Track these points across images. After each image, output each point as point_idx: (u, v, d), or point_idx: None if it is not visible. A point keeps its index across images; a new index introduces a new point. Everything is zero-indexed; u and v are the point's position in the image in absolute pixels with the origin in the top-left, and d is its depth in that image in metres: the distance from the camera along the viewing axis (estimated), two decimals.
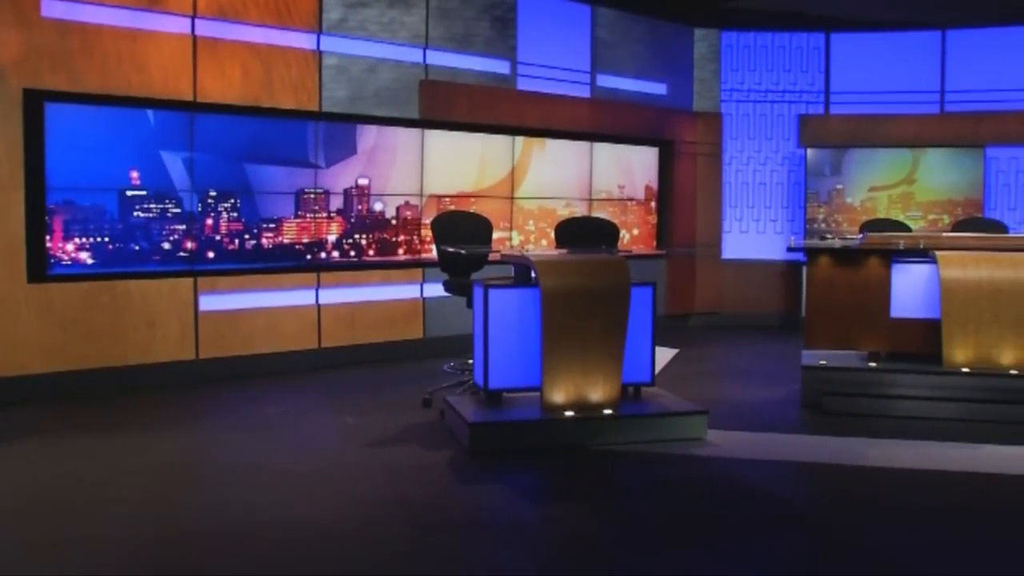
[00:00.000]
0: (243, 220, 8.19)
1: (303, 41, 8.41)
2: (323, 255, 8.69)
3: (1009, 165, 11.67)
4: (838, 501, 5.04)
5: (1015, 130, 11.51)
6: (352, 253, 8.87)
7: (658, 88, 11.50)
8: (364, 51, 8.83)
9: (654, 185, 11.49)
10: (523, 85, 10.14)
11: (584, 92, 10.74)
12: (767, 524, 4.56)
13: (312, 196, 8.58)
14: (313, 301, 8.58)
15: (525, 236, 10.13)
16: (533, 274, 5.91)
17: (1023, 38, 11.52)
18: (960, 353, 6.94)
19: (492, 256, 6.87)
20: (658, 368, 8.21)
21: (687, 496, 5.00)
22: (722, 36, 11.94)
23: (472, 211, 8.68)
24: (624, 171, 11.16)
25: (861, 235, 7.78)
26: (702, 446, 5.89)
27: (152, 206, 7.66)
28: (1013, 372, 6.84)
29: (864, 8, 11.55)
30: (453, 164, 9.58)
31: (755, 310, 11.82)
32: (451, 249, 6.97)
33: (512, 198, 10.04)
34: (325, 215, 8.68)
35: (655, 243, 11.52)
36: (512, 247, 9.84)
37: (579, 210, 10.59)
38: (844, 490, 5.22)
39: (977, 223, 9.19)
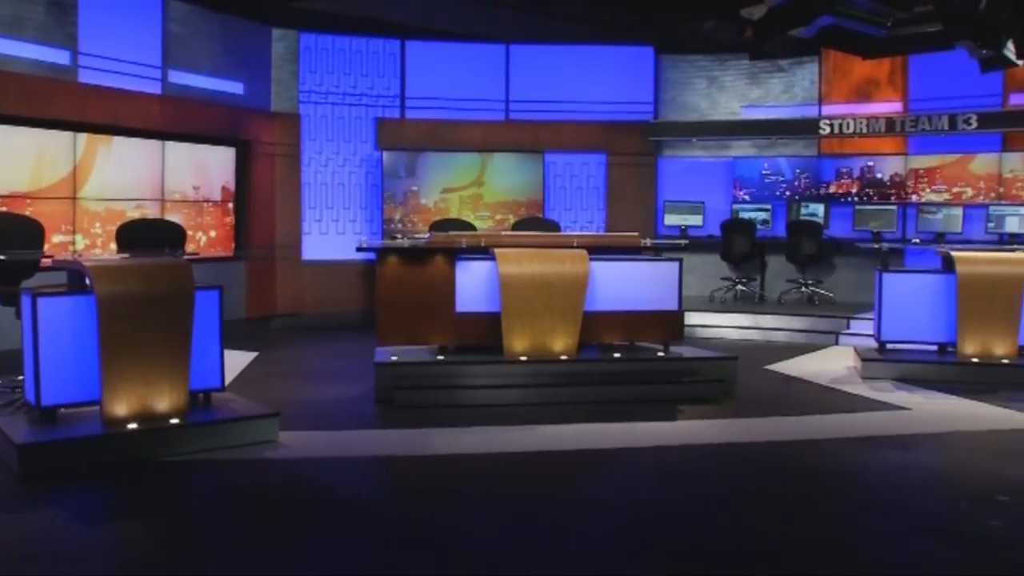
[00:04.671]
0: None
1: None
2: None
3: (565, 170, 12.83)
4: (407, 492, 5.25)
5: (569, 138, 12.67)
6: None
7: (235, 87, 11.28)
8: None
9: (231, 186, 11.25)
10: (86, 77, 9.50)
11: (155, 88, 10.28)
12: (336, 520, 4.63)
13: None
14: None
15: (91, 240, 9.49)
16: (88, 280, 5.55)
17: (576, 56, 12.72)
18: (518, 343, 7.50)
19: (44, 262, 6.36)
20: (235, 372, 8.10)
21: (256, 501, 4.96)
22: (300, 37, 11.96)
23: (25, 213, 7.99)
24: (200, 171, 10.81)
25: (429, 234, 8.15)
26: (275, 449, 5.86)
27: None
28: (564, 358, 7.52)
29: (437, 18, 12.11)
30: (3, 161, 8.73)
31: (337, 310, 11.96)
32: None
33: (75, 199, 9.36)
34: None
35: (233, 245, 11.27)
36: (75, 252, 9.17)
37: (151, 212, 10.10)
38: (413, 480, 5.45)
39: (534, 222, 9.99)
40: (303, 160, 11.99)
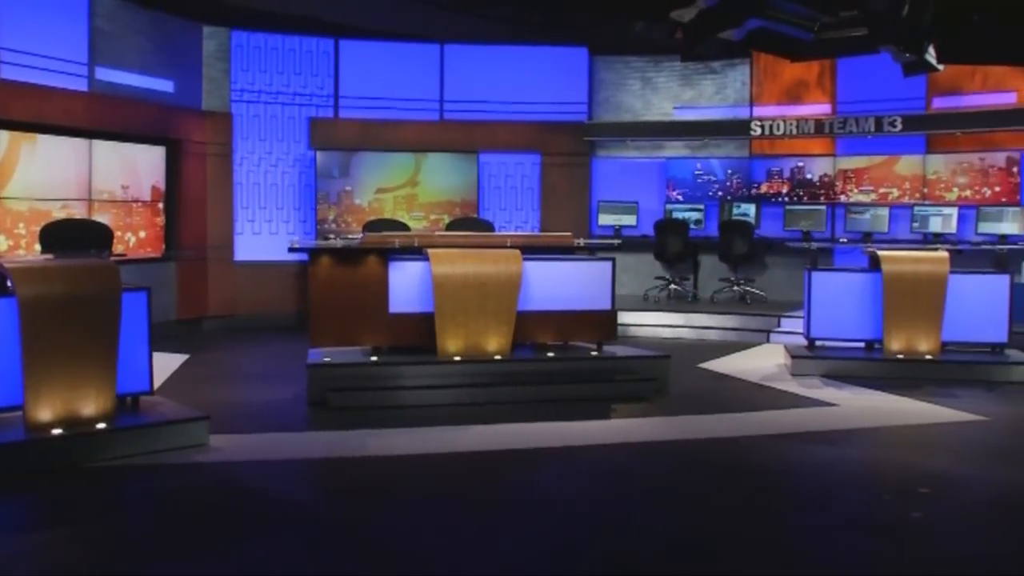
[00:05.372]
0: None
1: None
2: None
3: (499, 170, 12.84)
4: (340, 494, 5.22)
5: (503, 139, 12.68)
6: None
7: (165, 85, 11.09)
8: None
9: (161, 186, 11.03)
10: (7, 73, 9.26)
11: (81, 85, 10.06)
12: (268, 523, 4.59)
13: None
14: None
15: (15, 241, 9.26)
16: (9, 283, 5.42)
17: (510, 56, 12.73)
18: (452, 343, 7.49)
19: None
20: (165, 376, 7.98)
21: (187, 505, 4.89)
22: (232, 35, 11.80)
23: None
24: (128, 171, 10.60)
25: (362, 235, 8.10)
26: (205, 452, 5.79)
27: None
28: (497, 358, 7.54)
29: (371, 17, 12.03)
30: None
31: (270, 311, 11.81)
32: None
33: None
34: None
35: (163, 246, 11.05)
36: None
37: (78, 212, 9.88)
38: (346, 482, 5.41)
39: (469, 222, 9.97)
40: (235, 159, 11.83)
